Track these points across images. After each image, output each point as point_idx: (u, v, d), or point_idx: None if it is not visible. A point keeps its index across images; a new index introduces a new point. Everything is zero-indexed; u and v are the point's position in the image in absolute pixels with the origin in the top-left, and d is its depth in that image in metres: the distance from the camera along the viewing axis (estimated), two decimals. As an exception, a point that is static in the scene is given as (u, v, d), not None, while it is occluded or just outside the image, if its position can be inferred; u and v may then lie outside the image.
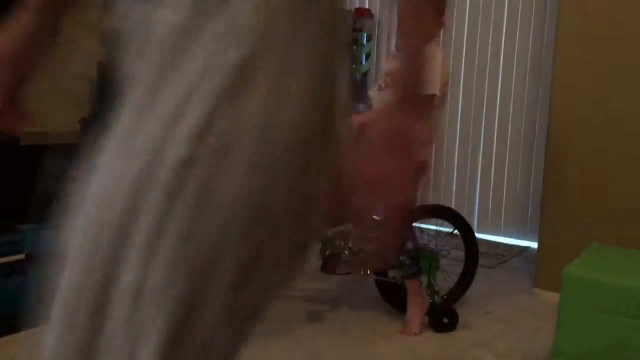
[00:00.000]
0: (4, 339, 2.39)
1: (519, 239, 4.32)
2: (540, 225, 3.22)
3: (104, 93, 3.22)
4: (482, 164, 4.46)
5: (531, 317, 2.88)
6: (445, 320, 2.66)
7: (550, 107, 3.14)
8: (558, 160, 3.11)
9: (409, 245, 2.60)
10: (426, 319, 2.70)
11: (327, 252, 2.68)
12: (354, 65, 4.44)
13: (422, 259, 2.76)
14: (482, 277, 3.42)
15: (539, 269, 3.19)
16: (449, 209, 3.09)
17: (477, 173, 4.47)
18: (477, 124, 4.45)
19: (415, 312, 2.69)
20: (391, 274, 2.81)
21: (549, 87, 3.25)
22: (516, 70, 4.26)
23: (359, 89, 4.22)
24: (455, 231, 2.97)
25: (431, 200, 4.56)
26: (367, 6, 4.77)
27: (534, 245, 3.90)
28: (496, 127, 4.38)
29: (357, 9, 4.65)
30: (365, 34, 4.50)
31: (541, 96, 4.14)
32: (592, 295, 2.08)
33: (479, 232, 4.44)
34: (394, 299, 2.84)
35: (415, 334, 2.64)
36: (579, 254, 2.36)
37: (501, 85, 4.34)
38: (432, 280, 2.76)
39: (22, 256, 2.48)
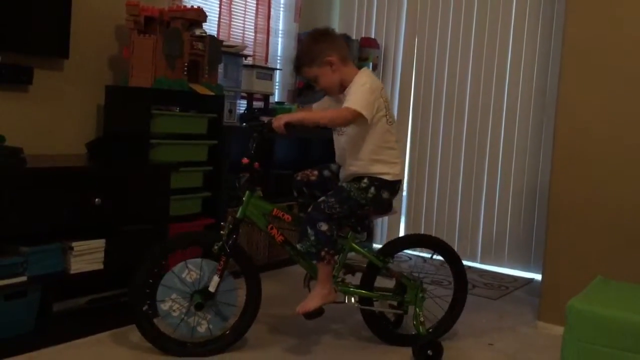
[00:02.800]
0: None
1: (523, 270, 4.30)
2: (544, 258, 3.20)
3: (111, 117, 3.24)
4: (485, 194, 4.46)
5: (534, 351, 2.85)
6: (429, 352, 2.57)
7: (554, 139, 3.14)
8: (562, 192, 3.11)
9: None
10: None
11: (311, 280, 2.66)
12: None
13: (409, 289, 2.73)
14: (485, 308, 3.40)
15: (543, 302, 3.16)
16: (433, 237, 3.07)
17: (481, 203, 4.47)
18: (481, 157, 4.47)
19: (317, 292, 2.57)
20: (377, 305, 2.79)
21: (552, 116, 3.26)
22: (522, 92, 4.30)
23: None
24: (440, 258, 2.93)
25: (433, 231, 4.55)
26: (373, 36, 4.84)
27: (538, 277, 3.87)
28: (500, 158, 4.39)
29: (363, 39, 4.72)
30: (370, 63, 4.56)
31: (546, 123, 4.16)
32: (596, 330, 2.06)
33: (482, 263, 4.43)
34: (380, 329, 2.80)
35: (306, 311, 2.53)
36: (584, 288, 2.35)
37: (505, 119, 4.36)
38: (418, 311, 2.69)
39: (24, 278, 2.47)
